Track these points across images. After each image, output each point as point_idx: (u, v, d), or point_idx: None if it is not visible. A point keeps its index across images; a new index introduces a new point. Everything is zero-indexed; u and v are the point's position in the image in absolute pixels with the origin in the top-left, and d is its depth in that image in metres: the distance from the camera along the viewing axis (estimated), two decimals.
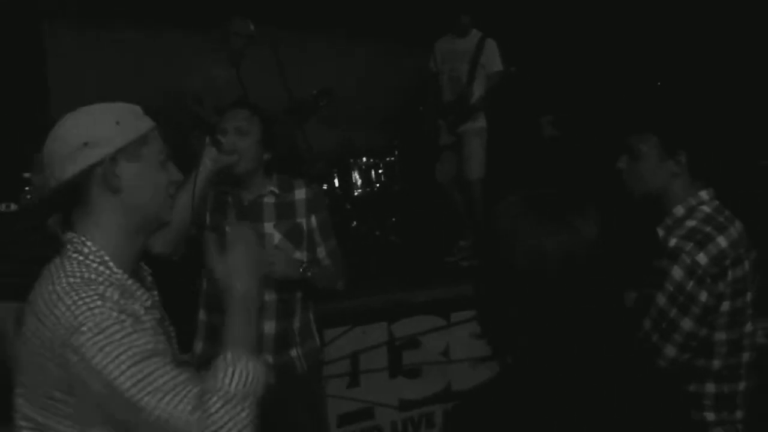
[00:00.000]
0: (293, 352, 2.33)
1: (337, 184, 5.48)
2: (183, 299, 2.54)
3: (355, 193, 5.44)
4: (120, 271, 1.25)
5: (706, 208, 1.80)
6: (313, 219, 2.33)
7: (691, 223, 1.76)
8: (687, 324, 1.69)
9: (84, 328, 1.11)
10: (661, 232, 1.82)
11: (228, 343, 1.21)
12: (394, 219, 5.52)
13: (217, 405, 1.13)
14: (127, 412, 1.12)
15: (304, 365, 2.35)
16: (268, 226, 2.26)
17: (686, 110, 1.95)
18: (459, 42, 4.46)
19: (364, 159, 5.48)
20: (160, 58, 5.73)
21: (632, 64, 5.10)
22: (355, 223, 5.21)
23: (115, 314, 1.14)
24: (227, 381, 1.16)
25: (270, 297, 2.24)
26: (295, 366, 2.33)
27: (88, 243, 1.24)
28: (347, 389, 3.41)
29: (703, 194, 1.82)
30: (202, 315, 2.34)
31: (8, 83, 3.75)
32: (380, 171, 5.54)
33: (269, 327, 2.26)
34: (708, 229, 1.74)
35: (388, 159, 5.55)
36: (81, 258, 1.22)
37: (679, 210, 1.81)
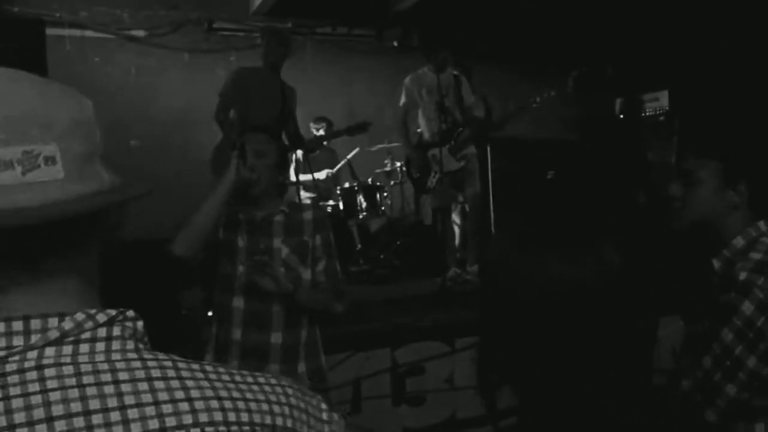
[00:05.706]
0: (300, 367, 2.37)
1: (341, 207, 5.46)
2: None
3: (360, 217, 5.41)
4: None
5: (767, 240, 1.69)
6: (318, 237, 2.45)
7: (756, 255, 1.66)
8: (752, 362, 1.60)
9: None
10: (717, 264, 1.72)
11: None
12: (398, 243, 5.48)
13: None
14: None
15: (307, 383, 2.31)
16: (277, 242, 2.40)
17: (752, 138, 1.83)
18: (441, 77, 4.74)
19: (369, 182, 5.46)
20: (165, 66, 5.78)
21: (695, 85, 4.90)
22: (359, 246, 5.16)
23: None
24: None
25: (277, 307, 2.35)
26: (302, 382, 2.28)
27: None
28: (349, 416, 3.33)
29: (762, 225, 1.71)
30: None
31: None
32: (385, 195, 5.53)
33: (276, 337, 2.35)
34: None
35: (392, 183, 5.54)
36: None
37: (739, 241, 1.70)
